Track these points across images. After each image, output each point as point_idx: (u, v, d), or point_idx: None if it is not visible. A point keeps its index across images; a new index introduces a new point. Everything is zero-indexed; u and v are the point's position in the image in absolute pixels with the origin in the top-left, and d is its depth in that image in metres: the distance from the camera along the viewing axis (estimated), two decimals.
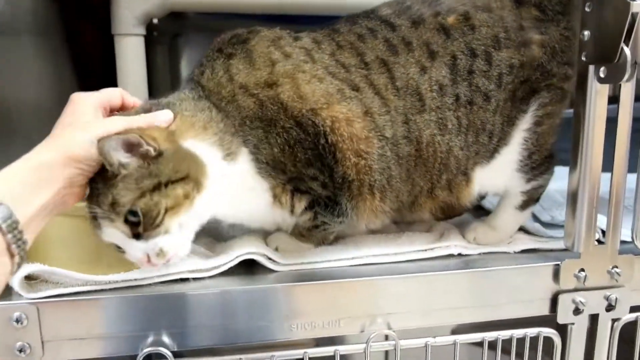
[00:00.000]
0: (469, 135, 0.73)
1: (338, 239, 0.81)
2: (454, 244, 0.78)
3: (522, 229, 0.84)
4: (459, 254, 0.78)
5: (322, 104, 0.67)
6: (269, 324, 0.68)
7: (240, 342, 0.68)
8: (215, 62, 0.70)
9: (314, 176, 0.70)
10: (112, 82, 1.03)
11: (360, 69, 0.71)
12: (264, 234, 0.79)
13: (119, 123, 0.61)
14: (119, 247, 0.64)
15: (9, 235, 0.50)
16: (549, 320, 0.75)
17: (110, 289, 0.66)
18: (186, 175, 0.62)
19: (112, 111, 0.69)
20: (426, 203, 0.77)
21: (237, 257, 0.71)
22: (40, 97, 0.65)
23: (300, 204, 0.72)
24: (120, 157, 0.58)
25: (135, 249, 0.61)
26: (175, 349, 0.66)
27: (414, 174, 0.73)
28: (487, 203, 0.94)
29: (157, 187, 0.60)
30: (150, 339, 0.66)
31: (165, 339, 0.67)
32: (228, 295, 0.67)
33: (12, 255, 0.52)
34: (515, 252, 0.79)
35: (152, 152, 0.60)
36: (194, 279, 0.69)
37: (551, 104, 0.73)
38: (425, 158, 0.72)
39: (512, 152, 0.75)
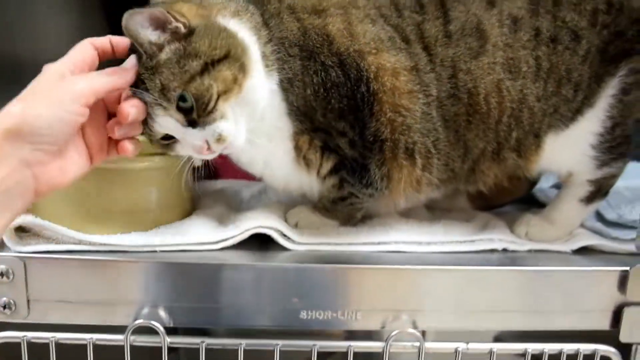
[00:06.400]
0: (549, 83, 0.63)
1: (366, 220, 0.73)
2: (498, 238, 0.68)
3: (581, 227, 0.73)
4: (504, 250, 0.68)
5: (371, 48, 0.62)
6: (275, 308, 0.61)
7: (243, 324, 0.61)
8: None
9: (343, 131, 0.63)
10: None
11: (415, 14, 0.64)
12: (285, 209, 0.72)
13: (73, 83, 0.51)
14: (166, 144, 0.60)
15: None
16: (608, 336, 0.64)
17: (106, 251, 0.61)
18: (227, 53, 0.57)
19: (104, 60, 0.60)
20: (491, 169, 0.67)
21: (246, 230, 0.64)
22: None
23: (327, 164, 0.66)
24: (149, 35, 0.55)
25: (192, 136, 0.58)
26: (171, 325, 0.60)
27: (466, 134, 0.65)
28: (540, 195, 0.82)
29: (204, 69, 0.56)
30: (145, 311, 0.60)
31: (161, 312, 0.60)
32: (231, 270, 0.59)
33: None
34: (572, 252, 0.68)
35: (182, 29, 0.56)
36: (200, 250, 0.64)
37: None
38: (484, 112, 0.64)
39: (594, 119, 0.65)
